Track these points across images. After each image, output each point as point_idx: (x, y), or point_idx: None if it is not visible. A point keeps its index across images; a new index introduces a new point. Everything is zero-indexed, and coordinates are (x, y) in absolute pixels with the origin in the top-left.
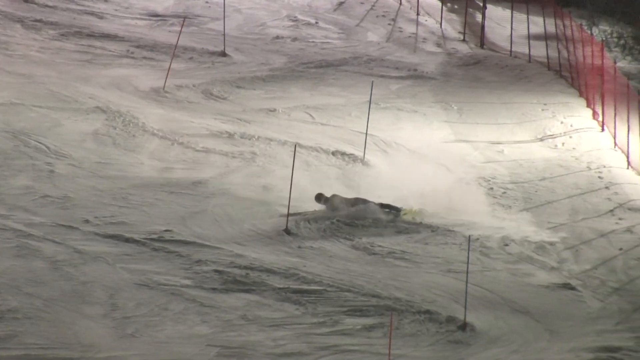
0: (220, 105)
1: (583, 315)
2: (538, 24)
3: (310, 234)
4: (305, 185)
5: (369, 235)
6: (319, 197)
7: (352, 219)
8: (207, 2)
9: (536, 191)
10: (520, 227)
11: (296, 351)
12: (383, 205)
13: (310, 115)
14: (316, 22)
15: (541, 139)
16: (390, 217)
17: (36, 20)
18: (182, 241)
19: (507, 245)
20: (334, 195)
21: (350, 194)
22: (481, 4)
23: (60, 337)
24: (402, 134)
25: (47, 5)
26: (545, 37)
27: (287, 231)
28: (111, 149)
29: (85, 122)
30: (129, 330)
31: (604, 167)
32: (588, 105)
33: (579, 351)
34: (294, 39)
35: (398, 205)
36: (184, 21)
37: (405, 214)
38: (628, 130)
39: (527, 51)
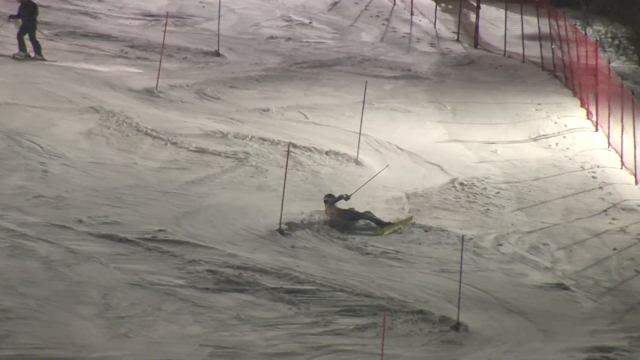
0: (214, 105)
1: (576, 315)
2: (532, 24)
3: (304, 233)
4: (299, 185)
5: (362, 234)
6: (328, 198)
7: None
8: (201, 2)
9: (530, 191)
10: (514, 227)
11: (289, 351)
12: (372, 219)
13: (304, 115)
14: (310, 22)
15: (535, 139)
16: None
17: None
18: (176, 241)
19: (500, 245)
20: (333, 205)
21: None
22: (475, 4)
23: (54, 337)
24: (395, 134)
25: (41, 5)
26: (540, 37)
27: (281, 231)
28: (105, 149)
29: (78, 122)
30: (122, 330)
31: (598, 167)
32: (582, 105)
33: (573, 351)
34: (288, 39)
35: (387, 219)
36: (167, 16)
37: (388, 230)
38: (622, 131)
39: (521, 51)
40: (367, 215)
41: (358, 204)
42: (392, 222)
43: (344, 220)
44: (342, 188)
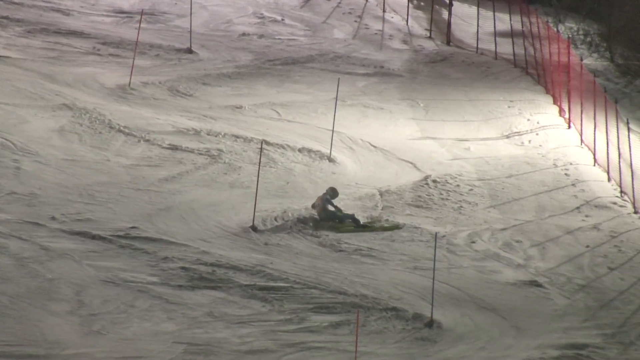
0: (187, 102)
1: (549, 312)
2: (504, 21)
3: (277, 230)
4: (272, 182)
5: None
6: (331, 193)
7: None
8: None
9: (503, 188)
10: (487, 224)
11: (262, 348)
12: (353, 220)
13: (277, 112)
14: (282, 19)
15: (507, 136)
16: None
17: (2, 17)
18: (149, 238)
19: (473, 242)
20: (325, 200)
21: (316, 190)
22: (447, 1)
23: (26, 334)
24: (368, 131)
25: (13, 2)
26: (512, 34)
27: (254, 228)
28: (77, 146)
29: (51, 119)
30: (95, 327)
31: (571, 164)
32: (554, 103)
33: (546, 348)
34: (260, 36)
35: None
36: (142, 13)
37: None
38: (594, 128)
39: (493, 48)
40: (349, 216)
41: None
42: (373, 225)
43: (323, 216)
44: (315, 185)
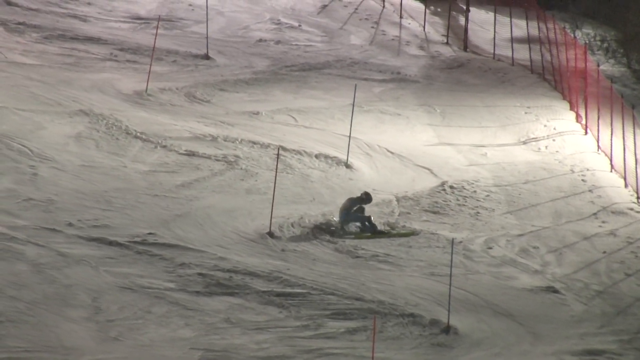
0: (204, 108)
1: (566, 318)
2: (521, 27)
3: (294, 237)
4: (289, 188)
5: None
6: (365, 197)
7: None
8: (190, 5)
9: (519, 194)
10: (504, 230)
11: (279, 354)
12: (369, 222)
13: (294, 118)
14: (299, 25)
15: (524, 142)
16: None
17: (19, 23)
18: (166, 244)
19: (490, 248)
20: (355, 203)
21: (333, 197)
22: (464, 7)
23: (43, 340)
24: (385, 137)
25: (30, 8)
26: (529, 40)
27: (271, 234)
28: (94, 152)
29: (68, 125)
30: (112, 334)
31: (587, 170)
32: (571, 108)
33: (562, 354)
34: (277, 42)
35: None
36: (159, 19)
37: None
38: (611, 133)
39: (510, 54)
40: (366, 218)
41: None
42: (390, 231)
43: (345, 218)
44: (332, 191)
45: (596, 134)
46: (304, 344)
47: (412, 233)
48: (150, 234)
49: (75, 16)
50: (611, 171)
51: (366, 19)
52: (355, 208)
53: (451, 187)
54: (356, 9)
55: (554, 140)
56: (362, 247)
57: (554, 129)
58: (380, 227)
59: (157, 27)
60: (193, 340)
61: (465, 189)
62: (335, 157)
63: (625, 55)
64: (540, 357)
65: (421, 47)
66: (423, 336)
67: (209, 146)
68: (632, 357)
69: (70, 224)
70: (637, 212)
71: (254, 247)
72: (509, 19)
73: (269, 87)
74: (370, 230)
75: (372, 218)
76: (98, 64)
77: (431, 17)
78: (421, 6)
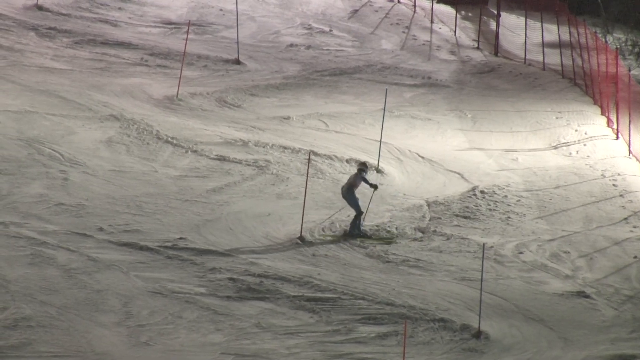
0: (234, 113)
1: (597, 323)
2: (552, 31)
3: (325, 241)
4: (319, 192)
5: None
6: (363, 167)
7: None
8: (221, 10)
9: (550, 199)
10: (535, 235)
11: (310, 359)
12: (357, 219)
13: (324, 123)
14: (330, 30)
15: (555, 147)
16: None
17: (50, 28)
18: (196, 249)
19: (521, 253)
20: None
21: (364, 202)
22: (495, 12)
23: (74, 345)
24: (415, 141)
25: (61, 13)
26: (560, 45)
27: (302, 239)
28: (125, 157)
29: (99, 130)
30: (143, 339)
31: (619, 174)
32: (602, 113)
33: (593, 359)
34: (308, 47)
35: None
36: (189, 24)
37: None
38: None
39: (541, 59)
40: (358, 212)
41: (378, 212)
42: (368, 235)
43: (345, 194)
44: (362, 196)
45: (627, 139)
46: (334, 349)
47: (391, 240)
48: (180, 238)
49: (106, 21)
50: None
51: (397, 23)
52: (359, 183)
53: (482, 192)
54: (387, 13)
55: (585, 145)
56: (393, 252)
57: (585, 133)
58: (391, 230)
59: (187, 32)
60: (224, 345)
61: (496, 193)
62: (366, 162)
63: None
64: None
65: (452, 52)
66: (454, 341)
67: (239, 151)
68: None
69: (101, 229)
70: None
71: (284, 252)
72: (539, 23)
73: (300, 92)
74: (351, 227)
75: (363, 215)
76: (129, 68)
77: (462, 22)
78: (452, 11)
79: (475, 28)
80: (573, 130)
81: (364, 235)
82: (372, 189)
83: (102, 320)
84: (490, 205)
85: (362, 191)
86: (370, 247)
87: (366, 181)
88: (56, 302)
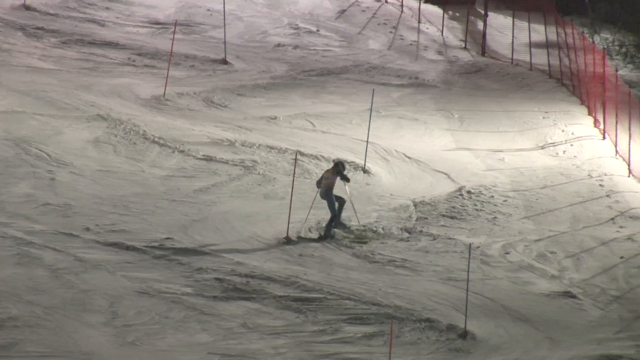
0: (221, 113)
1: (584, 323)
2: (539, 31)
3: (311, 241)
4: (306, 193)
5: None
6: (339, 167)
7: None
8: (208, 10)
9: (537, 199)
10: (521, 235)
11: (296, 359)
12: (336, 214)
13: (311, 123)
14: (317, 30)
15: (542, 147)
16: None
17: (38, 28)
18: (183, 249)
19: (507, 253)
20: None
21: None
22: (482, 12)
23: (61, 345)
24: (403, 141)
25: (48, 13)
26: (547, 45)
27: (288, 239)
28: (112, 157)
29: (86, 130)
30: (130, 339)
31: (605, 175)
32: (589, 114)
33: (580, 359)
34: (295, 47)
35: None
36: (176, 24)
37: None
38: (629, 139)
39: (528, 59)
40: (334, 214)
41: (365, 212)
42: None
43: (324, 194)
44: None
45: (614, 139)
46: (321, 349)
47: (369, 240)
48: (167, 238)
49: (93, 21)
50: (629, 176)
51: (384, 23)
52: (335, 180)
53: (469, 192)
54: (374, 13)
55: (572, 145)
56: (380, 252)
57: (572, 134)
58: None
59: (174, 32)
60: (210, 345)
61: (482, 194)
62: (353, 162)
63: None
64: None
65: (439, 52)
66: (440, 341)
67: (226, 151)
68: None
69: (87, 229)
70: None
71: (271, 252)
72: (527, 23)
73: (287, 92)
74: (326, 228)
75: (335, 217)
76: (116, 68)
77: (449, 22)
78: (439, 11)
79: (463, 28)
80: (560, 131)
81: (333, 236)
82: (346, 182)
83: (89, 320)
84: (477, 205)
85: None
86: (357, 248)
87: (343, 176)
88: (43, 302)
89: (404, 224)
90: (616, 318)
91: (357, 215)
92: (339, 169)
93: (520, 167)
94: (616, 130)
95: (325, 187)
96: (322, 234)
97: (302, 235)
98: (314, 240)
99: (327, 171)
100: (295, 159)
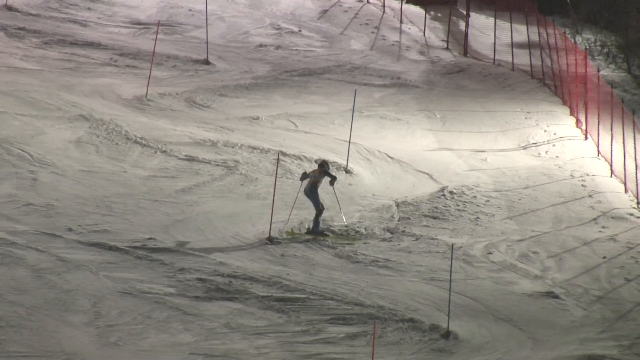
0: (204, 113)
1: (566, 323)
2: (521, 32)
3: (294, 242)
4: (289, 193)
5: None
6: (324, 166)
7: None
8: (190, 10)
9: (519, 199)
10: (504, 235)
11: (279, 359)
12: (316, 217)
13: (294, 124)
14: (299, 30)
15: (524, 147)
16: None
17: (19, 29)
18: (166, 249)
19: (490, 253)
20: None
21: (333, 202)
22: (464, 12)
23: (44, 345)
24: (385, 142)
25: (30, 14)
26: (529, 46)
27: (270, 239)
28: (94, 157)
29: (68, 130)
30: (112, 339)
31: (587, 175)
32: (571, 114)
33: (562, 359)
34: (277, 47)
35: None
36: (158, 24)
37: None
38: (611, 139)
39: (510, 59)
40: (318, 210)
41: (347, 212)
42: (327, 234)
43: (309, 191)
44: (332, 196)
45: (596, 139)
46: (303, 349)
47: (354, 240)
48: (150, 239)
49: (75, 21)
50: (611, 176)
51: (366, 24)
52: (322, 179)
53: (451, 192)
54: (356, 14)
55: (554, 145)
56: (362, 252)
57: (554, 134)
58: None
59: (156, 32)
60: (193, 345)
61: (465, 194)
62: (335, 162)
63: (625, 60)
64: None
65: (421, 52)
66: (423, 341)
67: (209, 151)
68: None
69: (70, 229)
70: (637, 217)
71: (254, 252)
72: (509, 24)
73: (269, 92)
74: (314, 225)
75: (321, 212)
76: (98, 69)
77: (431, 22)
78: (421, 11)
79: (445, 28)
80: (542, 131)
81: (323, 233)
82: (332, 180)
83: (71, 320)
84: (459, 205)
85: (328, 189)
86: (340, 248)
87: (329, 174)
88: (25, 302)
89: (387, 224)
90: (599, 318)
91: (342, 214)
92: (324, 168)
93: (503, 168)
94: (598, 130)
95: (310, 184)
96: (311, 229)
97: (296, 231)
98: (306, 233)
99: (314, 171)
100: (278, 159)
